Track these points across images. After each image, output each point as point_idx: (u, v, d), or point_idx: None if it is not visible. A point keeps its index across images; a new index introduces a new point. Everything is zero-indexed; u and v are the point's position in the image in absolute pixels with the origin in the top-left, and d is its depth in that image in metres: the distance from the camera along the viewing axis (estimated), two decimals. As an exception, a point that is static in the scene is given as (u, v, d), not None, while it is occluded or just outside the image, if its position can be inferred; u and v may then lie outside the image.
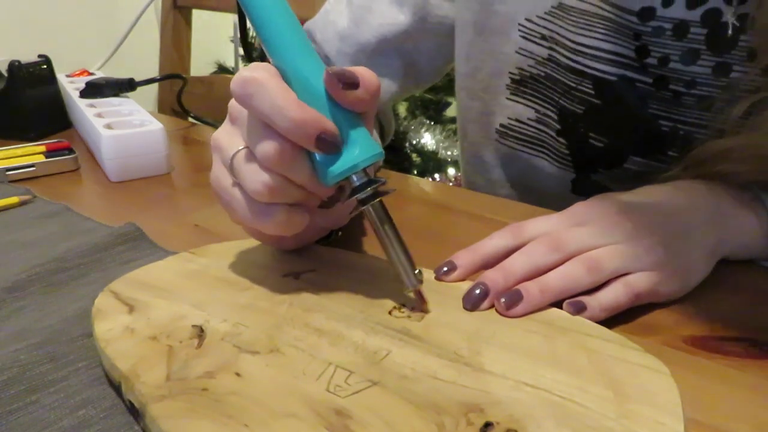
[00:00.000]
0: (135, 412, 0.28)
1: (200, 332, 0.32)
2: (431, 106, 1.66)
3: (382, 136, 0.66)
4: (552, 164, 0.56)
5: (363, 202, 0.32)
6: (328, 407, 0.26)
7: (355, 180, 0.32)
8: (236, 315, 0.33)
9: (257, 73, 0.30)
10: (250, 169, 0.32)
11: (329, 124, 0.30)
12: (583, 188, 0.56)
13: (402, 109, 1.65)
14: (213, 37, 1.79)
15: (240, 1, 0.32)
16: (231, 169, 0.33)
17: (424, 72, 0.64)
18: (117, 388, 0.30)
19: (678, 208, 0.39)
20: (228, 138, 0.34)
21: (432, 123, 1.62)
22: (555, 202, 0.55)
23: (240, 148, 0.33)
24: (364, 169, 0.32)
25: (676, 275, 0.36)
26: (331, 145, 0.30)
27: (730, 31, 0.42)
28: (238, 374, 0.29)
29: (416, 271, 0.33)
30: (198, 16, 1.19)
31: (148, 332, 0.32)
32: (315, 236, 0.40)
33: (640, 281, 0.35)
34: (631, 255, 0.35)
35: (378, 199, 0.32)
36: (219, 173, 0.35)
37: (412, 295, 0.33)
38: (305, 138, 0.30)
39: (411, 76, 0.63)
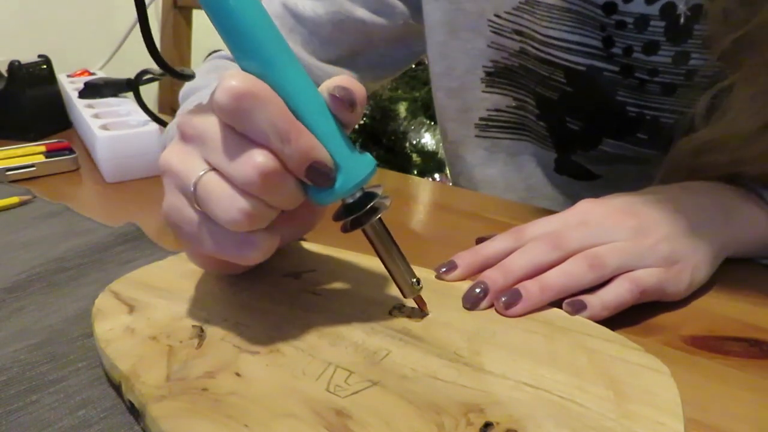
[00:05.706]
0: (135, 412, 0.28)
1: (200, 332, 0.32)
2: (431, 106, 1.66)
3: None
4: (536, 145, 0.59)
5: (359, 220, 0.30)
6: (328, 407, 0.26)
7: (350, 198, 0.29)
8: (236, 315, 0.33)
9: (251, 85, 0.26)
10: (224, 196, 0.28)
11: (323, 154, 0.28)
12: (565, 168, 0.58)
13: (402, 109, 1.64)
14: (213, 37, 1.78)
15: (209, 1, 0.27)
16: (194, 196, 0.29)
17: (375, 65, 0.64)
18: (117, 388, 0.30)
19: (684, 207, 0.38)
20: (183, 160, 0.29)
21: (432, 123, 1.62)
22: (540, 190, 0.58)
23: (202, 171, 0.28)
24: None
25: (682, 273, 0.35)
26: (324, 176, 0.28)
27: (682, 20, 0.45)
28: (238, 374, 0.29)
29: (414, 280, 0.32)
30: (198, 16, 1.19)
31: (148, 332, 0.32)
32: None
33: (646, 277, 0.34)
34: (635, 252, 0.34)
35: (377, 217, 0.30)
36: (177, 202, 0.30)
37: (412, 303, 0.33)
38: (298, 167, 0.28)
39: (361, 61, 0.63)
